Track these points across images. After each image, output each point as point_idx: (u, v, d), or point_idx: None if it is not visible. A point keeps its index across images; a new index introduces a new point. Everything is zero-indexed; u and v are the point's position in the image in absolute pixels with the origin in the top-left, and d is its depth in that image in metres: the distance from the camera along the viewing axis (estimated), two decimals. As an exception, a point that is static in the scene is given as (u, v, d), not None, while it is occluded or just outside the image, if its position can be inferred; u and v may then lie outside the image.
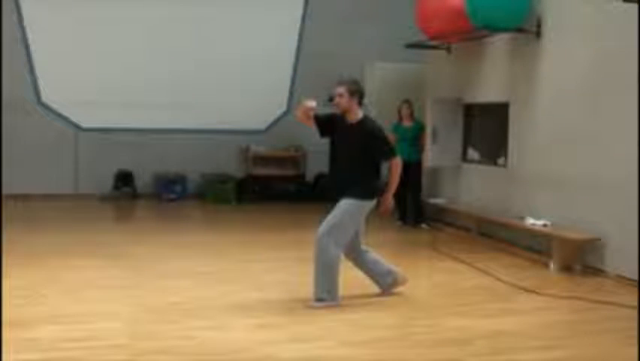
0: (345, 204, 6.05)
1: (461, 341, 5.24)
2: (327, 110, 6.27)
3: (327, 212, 6.13)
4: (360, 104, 6.21)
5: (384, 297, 6.48)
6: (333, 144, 6.31)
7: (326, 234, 5.99)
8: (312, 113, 6.12)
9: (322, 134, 6.33)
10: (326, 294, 6.03)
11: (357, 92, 6.15)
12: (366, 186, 6.10)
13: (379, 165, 6.21)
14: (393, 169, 6.25)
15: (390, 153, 6.24)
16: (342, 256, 6.17)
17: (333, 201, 6.14)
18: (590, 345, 5.25)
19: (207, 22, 13.32)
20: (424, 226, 10.59)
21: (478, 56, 10.16)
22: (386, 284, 6.46)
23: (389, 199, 6.28)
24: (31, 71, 12.93)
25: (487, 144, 10.24)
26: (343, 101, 6.11)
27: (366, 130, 6.14)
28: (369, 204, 6.14)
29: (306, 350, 5.01)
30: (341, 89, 6.12)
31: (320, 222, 6.11)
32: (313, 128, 6.27)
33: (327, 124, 6.24)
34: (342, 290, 6.17)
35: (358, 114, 6.20)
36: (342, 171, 6.22)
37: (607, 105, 7.68)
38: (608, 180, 7.58)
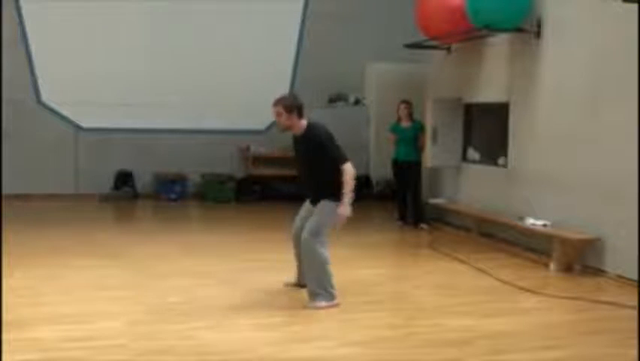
0: (322, 206, 6.08)
1: (461, 341, 5.24)
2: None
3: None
4: (300, 116, 6.09)
5: (383, 297, 6.48)
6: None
7: (310, 237, 6.01)
8: None
9: None
10: (324, 293, 6.03)
11: (294, 108, 6.08)
12: (332, 189, 6.04)
13: (338, 169, 6.04)
14: (345, 176, 5.99)
15: (339, 159, 6.02)
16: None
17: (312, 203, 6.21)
18: (590, 345, 5.25)
19: (207, 22, 13.32)
20: (423, 226, 10.58)
21: (478, 56, 10.16)
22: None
23: (345, 207, 6.01)
24: (31, 71, 12.93)
25: (487, 144, 10.24)
26: (282, 119, 6.09)
27: (312, 140, 6.08)
28: None
29: (306, 350, 5.01)
30: (277, 109, 6.09)
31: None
32: None
33: None
34: (342, 290, 6.18)
35: (302, 126, 6.13)
36: (307, 183, 6.28)
37: (607, 105, 7.68)
38: (608, 180, 7.58)
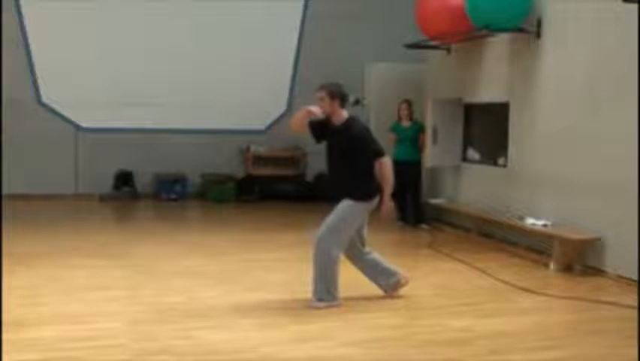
0: (343, 205, 6.06)
1: (461, 341, 5.24)
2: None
3: (327, 212, 6.14)
4: (342, 105, 6.15)
5: (384, 297, 6.48)
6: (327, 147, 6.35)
7: (325, 235, 6.00)
8: (307, 121, 6.20)
9: (318, 139, 6.37)
10: (326, 294, 6.03)
11: (337, 95, 6.11)
12: (362, 187, 6.07)
13: (372, 165, 6.14)
14: (382, 170, 6.12)
15: (376, 153, 6.11)
16: (342, 257, 6.18)
17: (334, 201, 6.14)
18: (590, 345, 5.25)
19: (207, 21, 13.33)
20: (423, 226, 10.58)
21: (478, 56, 10.16)
22: (389, 286, 6.45)
23: (387, 203, 6.19)
24: (31, 71, 12.94)
25: (487, 144, 10.24)
26: (325, 104, 6.10)
27: (351, 131, 6.09)
28: (368, 205, 6.13)
29: (306, 350, 5.01)
30: (321, 94, 6.10)
31: (320, 223, 6.12)
32: (305, 131, 6.30)
33: (321, 129, 6.26)
34: (343, 290, 6.17)
35: (342, 116, 6.16)
36: (336, 175, 6.24)
37: (607, 105, 7.68)
38: (608, 180, 7.58)
